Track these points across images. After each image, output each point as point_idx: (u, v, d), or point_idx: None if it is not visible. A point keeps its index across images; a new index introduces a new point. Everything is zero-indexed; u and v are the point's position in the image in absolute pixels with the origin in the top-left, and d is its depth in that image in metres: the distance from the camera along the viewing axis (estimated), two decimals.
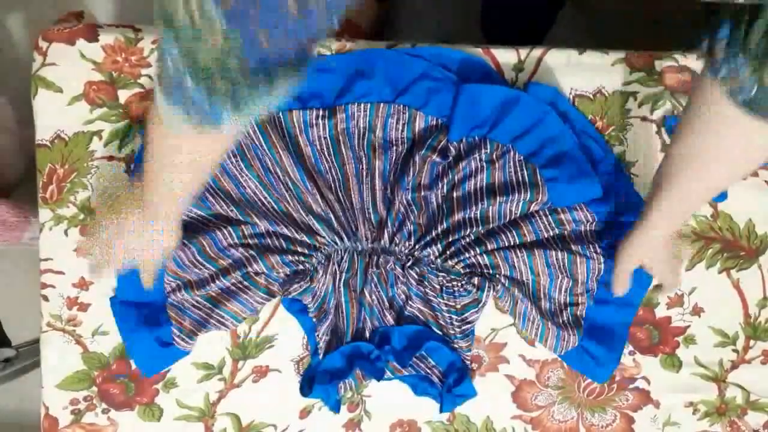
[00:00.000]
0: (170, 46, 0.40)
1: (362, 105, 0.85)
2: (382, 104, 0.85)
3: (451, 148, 0.85)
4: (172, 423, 0.89)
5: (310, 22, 0.37)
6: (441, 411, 0.88)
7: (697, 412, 0.91)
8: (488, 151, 0.85)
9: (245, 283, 0.85)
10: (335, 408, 0.87)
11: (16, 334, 1.16)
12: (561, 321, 0.87)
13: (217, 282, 0.84)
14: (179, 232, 0.75)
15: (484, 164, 0.85)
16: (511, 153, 0.85)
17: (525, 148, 0.85)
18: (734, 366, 0.91)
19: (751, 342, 0.91)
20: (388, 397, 0.90)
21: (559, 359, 0.89)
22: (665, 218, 0.72)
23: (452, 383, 0.86)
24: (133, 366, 0.88)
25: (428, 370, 0.88)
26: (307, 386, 0.87)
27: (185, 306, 0.86)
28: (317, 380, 0.86)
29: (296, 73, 0.42)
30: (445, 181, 0.85)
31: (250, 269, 0.84)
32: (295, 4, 0.35)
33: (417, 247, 0.86)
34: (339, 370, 0.86)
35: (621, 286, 0.82)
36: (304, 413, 0.90)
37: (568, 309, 0.87)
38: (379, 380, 0.86)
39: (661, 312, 0.90)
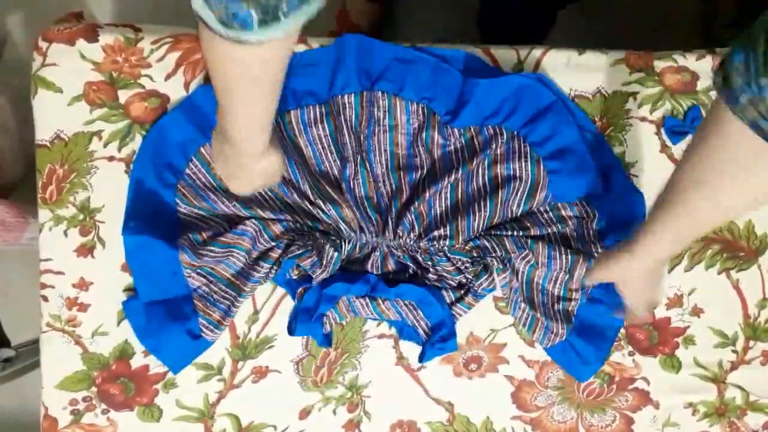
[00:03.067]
0: None
1: (346, 96, 0.85)
2: (364, 93, 0.86)
3: (455, 131, 0.86)
4: (171, 423, 0.89)
5: None
6: (420, 361, 0.88)
7: (697, 412, 0.91)
8: (504, 140, 0.86)
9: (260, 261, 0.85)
10: (324, 343, 0.87)
11: (15, 335, 1.16)
12: (551, 313, 0.87)
13: (234, 258, 0.84)
14: (275, 153, 0.70)
15: (500, 156, 0.86)
16: (519, 141, 0.86)
17: (533, 136, 0.86)
18: (734, 367, 0.91)
19: (751, 343, 0.91)
20: (388, 398, 0.90)
21: None
22: (662, 243, 0.65)
23: (438, 339, 0.86)
24: (133, 366, 0.88)
25: (415, 321, 0.87)
26: (293, 326, 0.87)
27: (214, 297, 0.86)
28: (299, 320, 0.85)
29: None
30: (460, 173, 0.86)
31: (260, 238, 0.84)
32: None
33: (422, 241, 0.86)
34: (318, 304, 0.85)
35: (589, 282, 0.82)
36: (304, 414, 0.90)
37: (561, 303, 0.87)
38: (367, 294, 0.85)
39: (660, 313, 0.90)
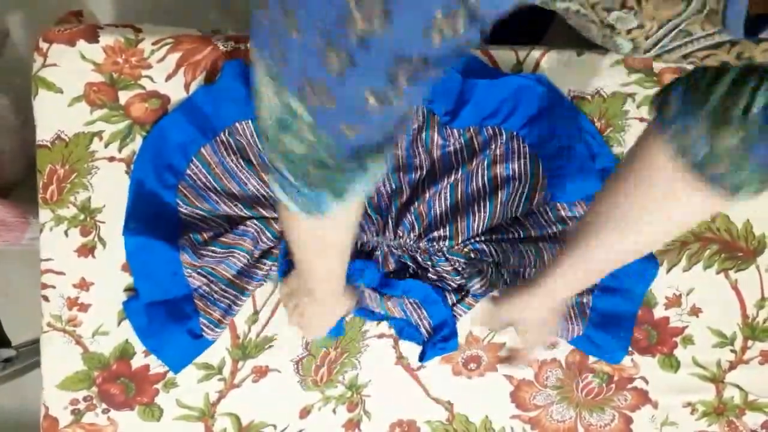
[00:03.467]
0: (266, 149, 0.43)
1: None
2: None
3: (454, 132, 0.86)
4: (171, 423, 0.89)
5: (392, 113, 0.37)
6: (421, 360, 0.88)
7: (696, 412, 0.91)
8: (503, 140, 0.86)
9: (262, 259, 0.86)
10: (333, 333, 0.87)
11: (16, 334, 1.17)
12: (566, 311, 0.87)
13: (235, 258, 0.85)
14: (348, 295, 0.81)
15: (500, 156, 0.86)
16: (519, 142, 0.86)
17: (532, 136, 0.86)
18: (732, 366, 0.91)
19: (749, 342, 0.91)
20: (388, 397, 0.90)
21: (558, 360, 0.90)
22: (574, 278, 0.65)
23: (439, 339, 0.86)
24: (134, 366, 0.88)
25: (418, 320, 0.88)
26: None
27: (214, 296, 0.87)
28: None
29: (386, 154, 0.44)
30: (460, 173, 0.86)
31: (261, 238, 0.85)
32: (376, 101, 0.35)
33: (422, 241, 0.86)
34: None
35: (487, 325, 0.84)
36: (304, 413, 0.90)
37: (574, 298, 0.87)
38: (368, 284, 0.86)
39: (659, 312, 0.90)
